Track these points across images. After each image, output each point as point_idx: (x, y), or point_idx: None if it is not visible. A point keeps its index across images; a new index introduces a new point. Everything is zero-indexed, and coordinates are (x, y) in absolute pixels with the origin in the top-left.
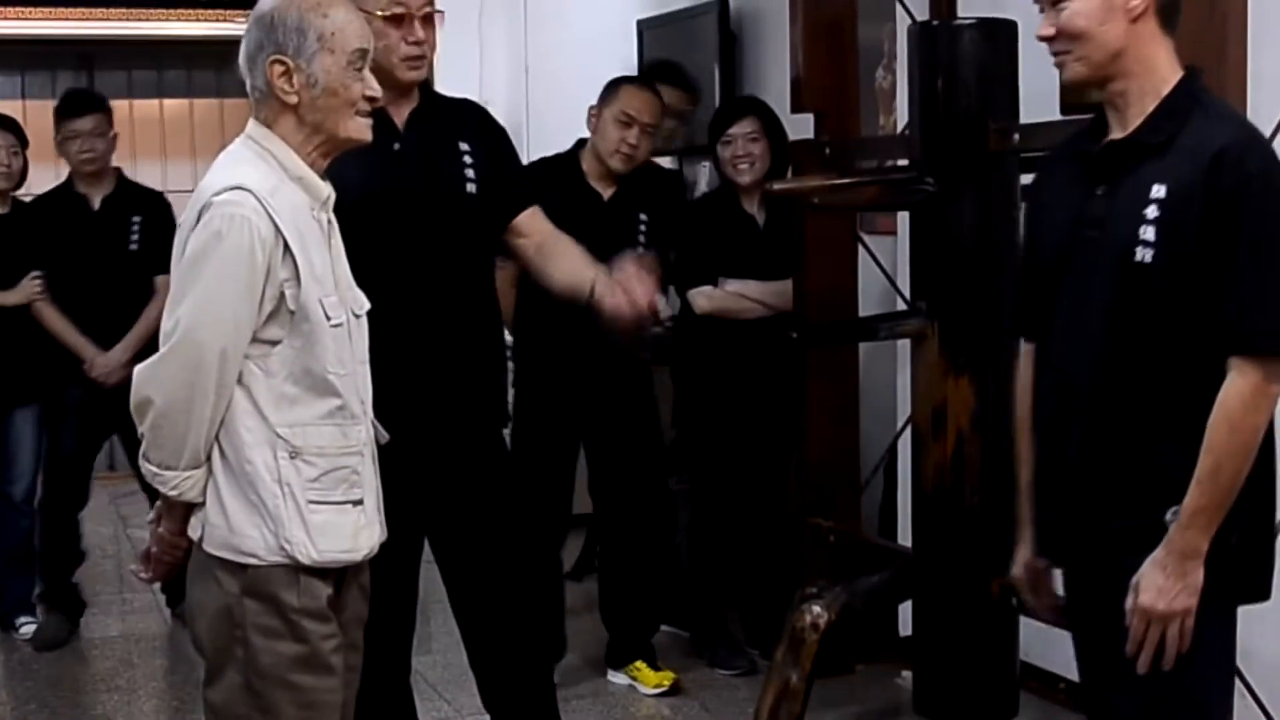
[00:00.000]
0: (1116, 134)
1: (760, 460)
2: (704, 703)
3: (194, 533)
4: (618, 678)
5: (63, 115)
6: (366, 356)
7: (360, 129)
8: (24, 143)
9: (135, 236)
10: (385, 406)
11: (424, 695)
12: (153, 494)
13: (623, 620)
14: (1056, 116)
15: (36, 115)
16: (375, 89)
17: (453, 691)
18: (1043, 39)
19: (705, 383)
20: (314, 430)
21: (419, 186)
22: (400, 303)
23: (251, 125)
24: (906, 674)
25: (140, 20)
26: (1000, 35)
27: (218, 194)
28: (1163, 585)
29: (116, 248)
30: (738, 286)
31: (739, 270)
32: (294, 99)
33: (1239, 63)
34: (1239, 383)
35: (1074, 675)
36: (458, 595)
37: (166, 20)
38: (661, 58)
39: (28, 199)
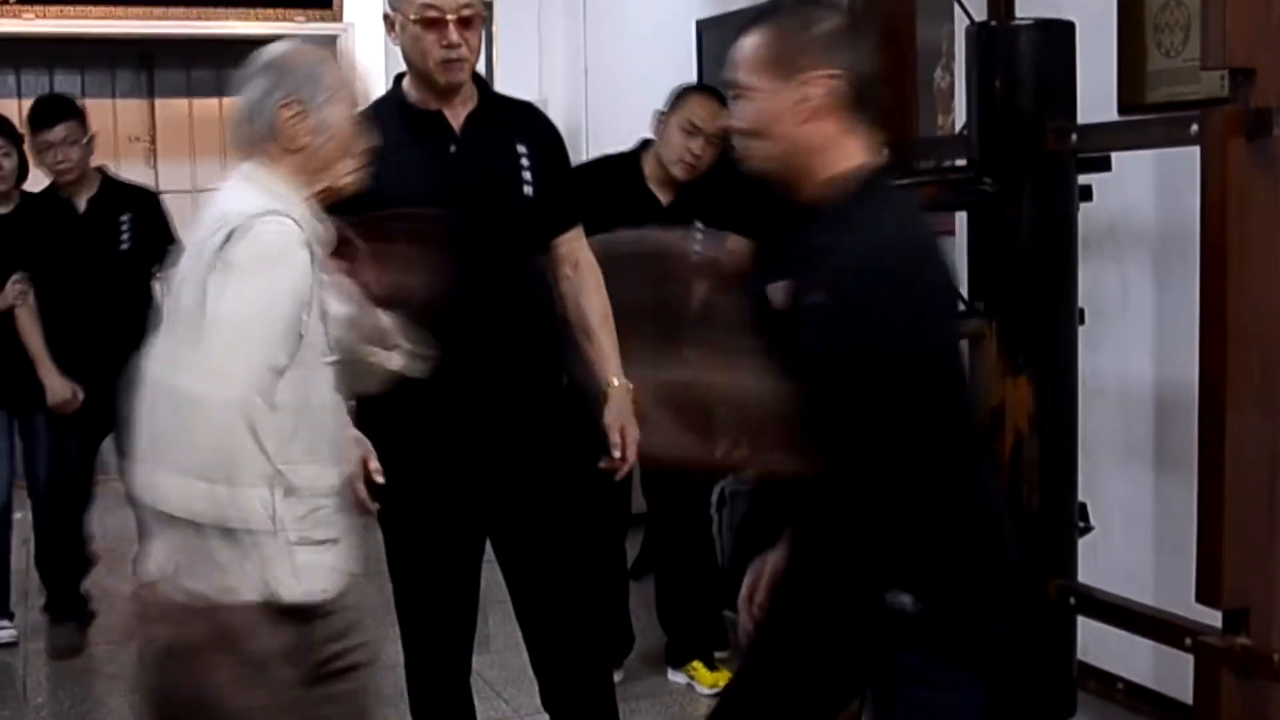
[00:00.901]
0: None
1: None
2: None
3: (158, 570)
4: (677, 677)
5: (34, 126)
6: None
7: (356, 180)
8: (17, 141)
9: (125, 235)
10: (442, 407)
11: (482, 695)
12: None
13: (678, 620)
14: (1114, 117)
15: (96, 113)
16: (373, 142)
17: (511, 691)
18: (729, 129)
19: None
20: (304, 467)
21: (475, 188)
22: (456, 304)
23: (250, 169)
24: None
25: (200, 20)
26: (1058, 36)
27: (256, 215)
28: None
29: (107, 249)
30: None
31: None
32: (304, 141)
33: None
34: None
35: (1132, 675)
36: (519, 595)
37: (226, 20)
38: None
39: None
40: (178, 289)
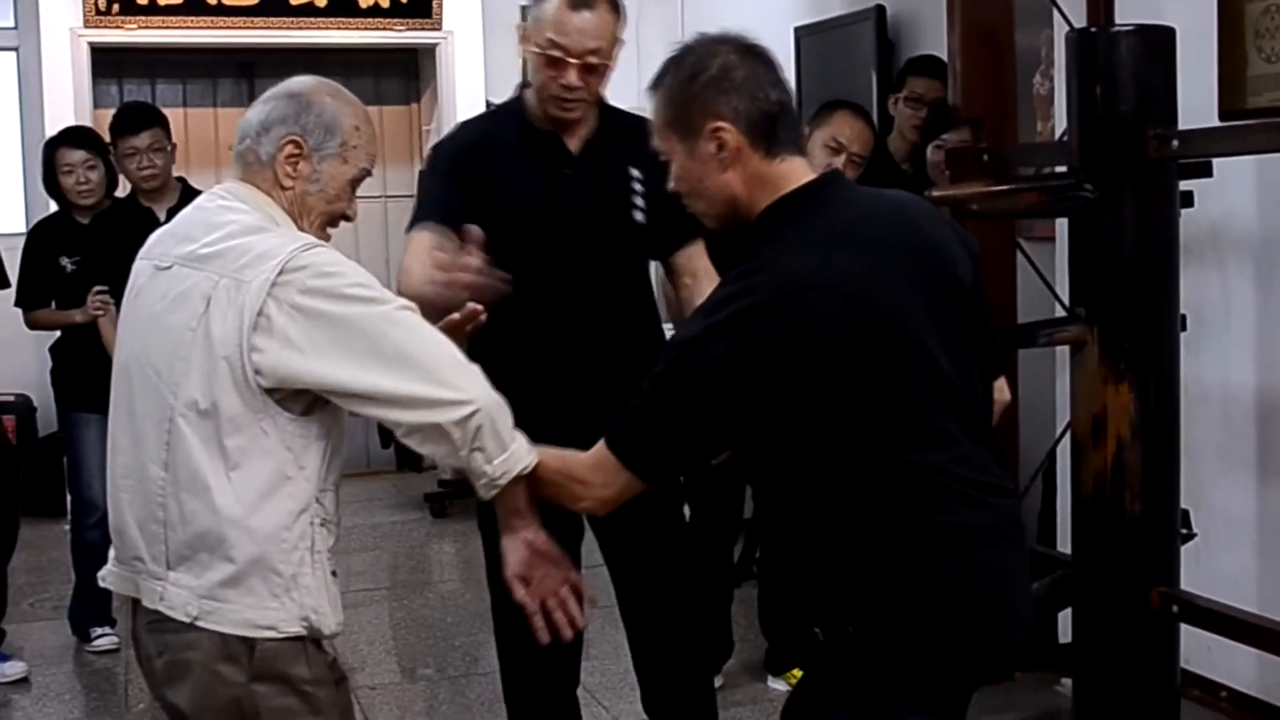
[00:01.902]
0: None
1: None
2: None
3: (185, 614)
4: (777, 684)
5: (118, 132)
6: None
7: (323, 235)
8: (103, 152)
9: None
10: (547, 424)
11: (583, 701)
12: None
13: (780, 627)
14: (1214, 123)
15: (198, 123)
16: (355, 212)
17: (611, 698)
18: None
19: None
20: (331, 496)
21: (585, 212)
22: (561, 325)
23: (246, 190)
24: (1066, 682)
25: (300, 29)
26: (1158, 42)
27: (301, 249)
28: None
29: None
30: None
31: None
32: (291, 183)
33: None
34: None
35: (1236, 683)
36: (626, 600)
37: (326, 29)
38: (818, 63)
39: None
40: (173, 302)
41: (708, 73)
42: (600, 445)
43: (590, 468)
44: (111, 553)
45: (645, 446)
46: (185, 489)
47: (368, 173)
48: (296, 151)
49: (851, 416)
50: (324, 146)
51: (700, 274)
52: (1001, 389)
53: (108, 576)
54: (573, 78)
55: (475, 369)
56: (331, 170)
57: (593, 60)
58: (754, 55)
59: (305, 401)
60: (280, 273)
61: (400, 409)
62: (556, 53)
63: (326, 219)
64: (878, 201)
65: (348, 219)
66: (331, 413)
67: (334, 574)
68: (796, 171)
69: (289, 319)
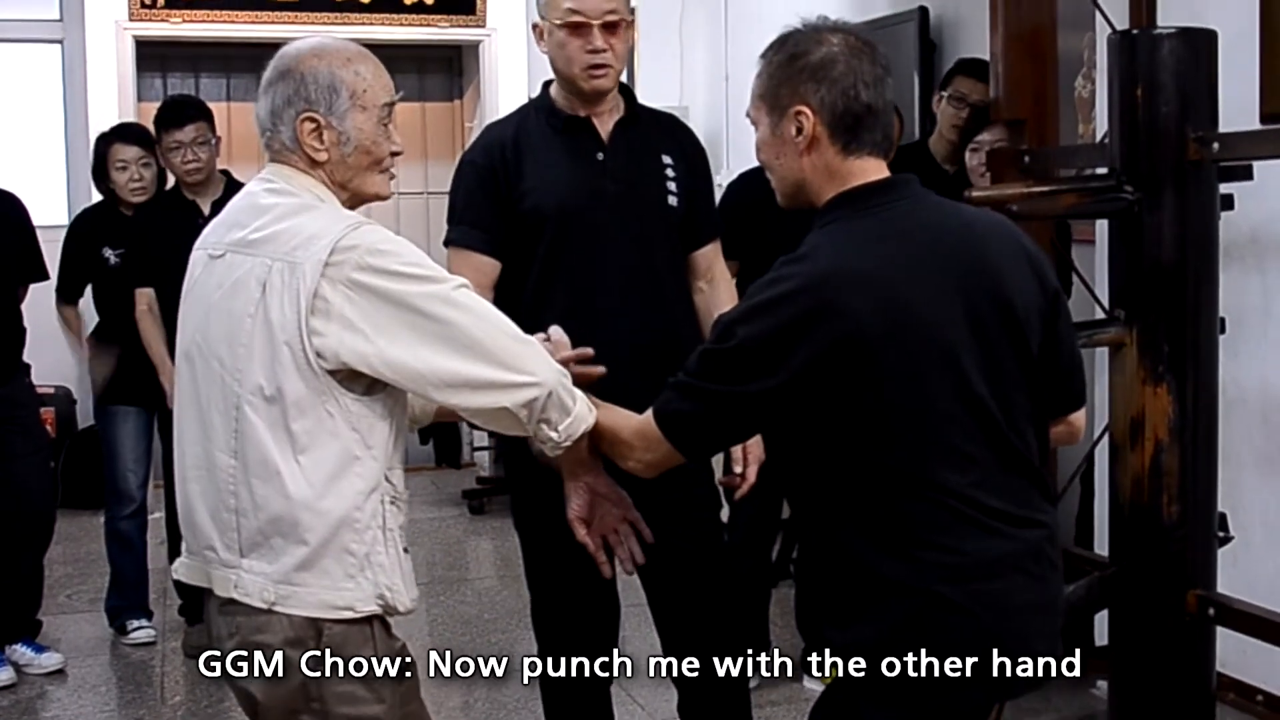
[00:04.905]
0: None
1: None
2: None
3: (261, 599)
4: (813, 684)
5: (163, 126)
6: None
7: (382, 185)
8: (154, 150)
9: None
10: None
11: (617, 699)
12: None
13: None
14: (1256, 126)
15: (241, 117)
16: (399, 144)
17: (645, 695)
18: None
19: None
20: (398, 473)
21: (622, 196)
22: (599, 309)
23: (287, 171)
24: (1102, 684)
25: (344, 24)
26: (1200, 45)
27: (354, 229)
28: None
29: None
30: None
31: None
32: (324, 155)
33: None
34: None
35: (1272, 686)
36: (657, 599)
37: (370, 24)
38: None
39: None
40: (230, 290)
41: (808, 58)
42: (648, 412)
43: (636, 433)
44: (183, 545)
45: (682, 421)
46: (255, 475)
47: (392, 101)
48: (314, 126)
49: (868, 418)
50: (336, 107)
51: (717, 277)
52: (1071, 422)
53: (179, 568)
54: (597, 39)
55: (535, 343)
56: (356, 123)
57: (612, 18)
58: (861, 53)
59: (366, 381)
60: (332, 252)
61: (466, 393)
62: (578, 18)
63: (377, 167)
64: (944, 213)
65: (397, 154)
66: (393, 391)
67: (406, 550)
68: (868, 171)
69: (345, 300)
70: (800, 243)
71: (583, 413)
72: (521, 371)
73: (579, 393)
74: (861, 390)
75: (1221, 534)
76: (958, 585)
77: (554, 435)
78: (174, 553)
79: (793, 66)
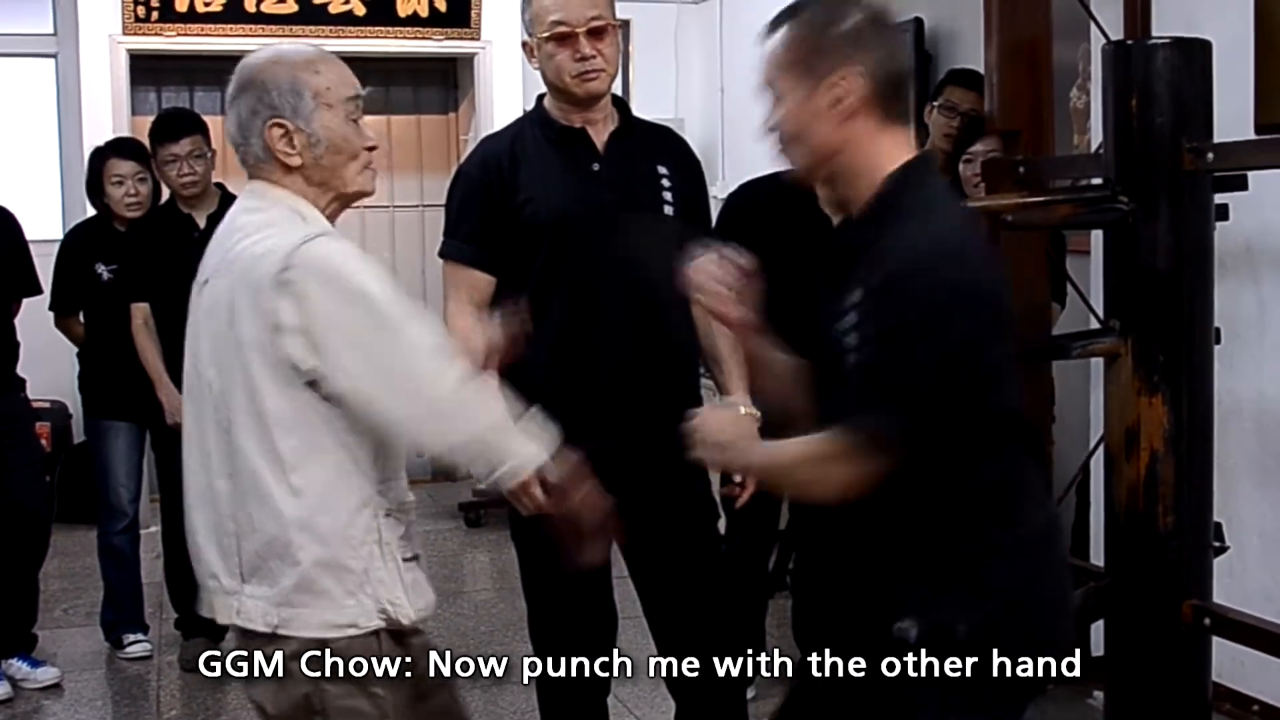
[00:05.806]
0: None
1: None
2: None
3: (264, 624)
4: None
5: (158, 139)
6: None
7: (365, 181)
8: (150, 164)
9: None
10: (577, 422)
11: (615, 711)
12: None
13: (817, 636)
14: (1250, 136)
15: None
16: (372, 138)
17: (643, 708)
18: (770, 130)
19: None
20: (395, 485)
21: (618, 205)
22: (596, 318)
23: (262, 187)
24: (1098, 694)
25: (340, 38)
26: (1195, 54)
27: (305, 242)
28: None
29: None
30: None
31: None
32: (297, 160)
33: None
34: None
35: (1268, 697)
36: (653, 611)
37: (366, 38)
38: None
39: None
40: (209, 315)
41: (846, 23)
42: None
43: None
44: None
45: None
46: (250, 497)
47: (357, 95)
48: (284, 131)
49: (992, 403)
50: (301, 109)
51: None
52: None
53: (201, 604)
54: (585, 46)
55: (478, 386)
56: (324, 122)
57: (597, 24)
58: (885, 24)
59: None
60: (283, 269)
61: (396, 426)
62: (562, 28)
63: (355, 166)
64: None
65: (372, 149)
66: None
67: (415, 558)
68: (900, 141)
69: (297, 314)
70: (801, 251)
71: (526, 456)
72: (449, 418)
73: (531, 431)
74: (994, 366)
75: (1217, 544)
76: (1052, 553)
77: (495, 477)
78: (170, 567)
79: (827, 35)
